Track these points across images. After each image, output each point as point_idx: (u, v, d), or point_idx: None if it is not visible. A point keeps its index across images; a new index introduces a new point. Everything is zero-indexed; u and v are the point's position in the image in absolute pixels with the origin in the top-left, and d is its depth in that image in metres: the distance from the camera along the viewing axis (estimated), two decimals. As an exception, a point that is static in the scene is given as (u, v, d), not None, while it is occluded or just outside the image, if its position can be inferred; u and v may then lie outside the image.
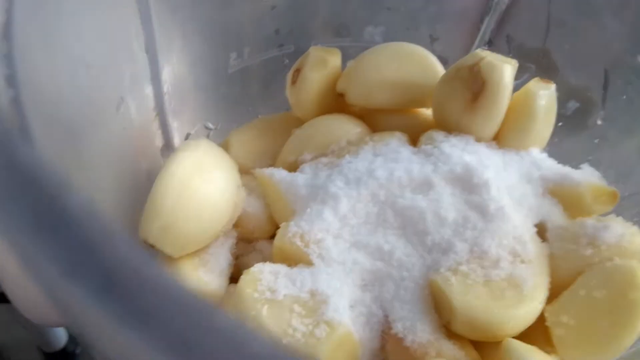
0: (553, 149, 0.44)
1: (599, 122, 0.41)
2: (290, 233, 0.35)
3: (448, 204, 0.35)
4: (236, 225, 0.40)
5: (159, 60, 0.35)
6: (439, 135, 0.39)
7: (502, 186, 0.36)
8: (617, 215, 0.39)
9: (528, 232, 0.35)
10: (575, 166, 0.42)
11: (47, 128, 0.19)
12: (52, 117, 0.21)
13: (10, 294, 0.31)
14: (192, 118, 0.43)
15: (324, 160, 0.40)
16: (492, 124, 0.38)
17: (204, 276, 0.37)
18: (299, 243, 0.35)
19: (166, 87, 0.38)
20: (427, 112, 0.43)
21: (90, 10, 0.27)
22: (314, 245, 0.35)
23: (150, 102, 0.37)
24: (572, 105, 0.42)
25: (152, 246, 0.35)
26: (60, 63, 0.24)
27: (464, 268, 0.33)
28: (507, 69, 0.37)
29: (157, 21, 0.33)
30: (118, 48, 0.32)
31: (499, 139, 0.40)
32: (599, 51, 0.40)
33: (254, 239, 0.41)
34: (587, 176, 0.38)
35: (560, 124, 0.42)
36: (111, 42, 0.30)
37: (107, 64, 0.30)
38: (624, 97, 0.39)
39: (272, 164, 0.43)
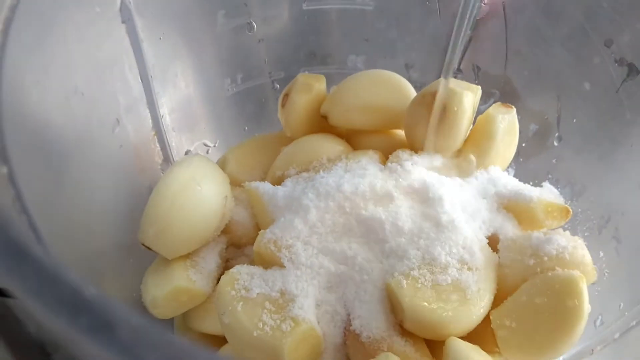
0: (519, 168, 0.47)
1: (556, 144, 0.44)
2: (266, 239, 0.40)
3: (405, 215, 0.39)
4: (226, 231, 0.45)
5: (154, 87, 0.41)
6: (404, 154, 0.43)
7: (457, 201, 0.40)
8: (571, 229, 0.42)
9: (478, 243, 0.38)
10: (538, 184, 0.45)
11: (32, 151, 0.24)
12: (41, 140, 0.27)
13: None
14: (191, 137, 0.48)
15: (305, 175, 0.45)
16: (453, 144, 0.42)
17: (193, 276, 0.41)
18: (272, 248, 0.39)
19: (164, 109, 0.43)
20: (401, 133, 0.47)
21: (85, 47, 0.33)
22: (285, 250, 0.39)
23: (148, 124, 0.42)
24: (533, 127, 0.46)
25: (149, 248, 0.40)
26: (52, 92, 0.29)
27: (415, 273, 0.37)
28: (466, 95, 0.41)
29: (149, 54, 0.39)
30: (112, 78, 0.37)
31: (463, 158, 0.43)
32: (551, 78, 0.43)
33: (243, 245, 0.46)
34: (542, 193, 0.41)
35: (523, 144, 0.46)
36: (105, 73, 0.36)
37: (102, 91, 0.36)
38: (575, 120, 0.43)
39: (264, 178, 0.48)
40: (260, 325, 0.36)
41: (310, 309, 0.37)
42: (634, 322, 0.35)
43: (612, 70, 0.39)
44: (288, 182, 0.44)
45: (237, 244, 0.46)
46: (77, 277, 0.13)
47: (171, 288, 0.40)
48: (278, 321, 0.36)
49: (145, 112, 0.42)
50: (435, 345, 0.38)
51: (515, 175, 0.48)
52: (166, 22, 0.41)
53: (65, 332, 0.12)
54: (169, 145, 0.46)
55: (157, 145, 0.44)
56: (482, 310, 0.36)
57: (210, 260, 0.43)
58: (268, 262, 0.40)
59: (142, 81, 0.40)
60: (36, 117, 0.27)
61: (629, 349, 0.35)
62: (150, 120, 0.42)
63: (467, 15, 0.40)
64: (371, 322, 0.37)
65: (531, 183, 0.44)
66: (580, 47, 0.40)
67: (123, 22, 0.37)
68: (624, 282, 0.39)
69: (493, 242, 0.40)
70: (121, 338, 0.12)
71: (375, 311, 0.37)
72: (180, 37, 0.43)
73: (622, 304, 0.37)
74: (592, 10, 0.39)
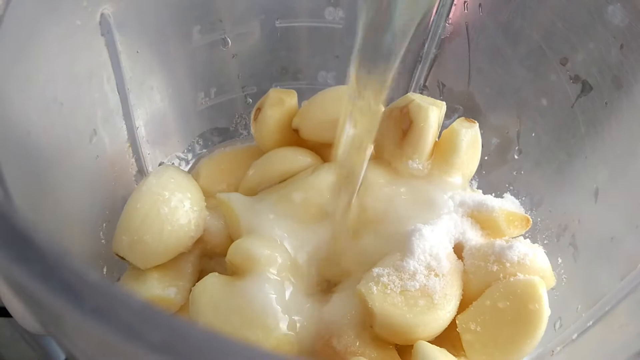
0: (482, 180, 0.49)
1: (516, 157, 0.47)
2: (238, 249, 0.41)
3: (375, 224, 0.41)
4: (200, 242, 0.45)
5: (130, 100, 0.41)
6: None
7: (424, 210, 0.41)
8: (531, 237, 0.44)
9: (444, 250, 0.40)
10: (500, 195, 0.47)
11: (16, 157, 0.25)
12: (22, 148, 0.27)
13: (7, 305, 0.36)
14: (165, 149, 0.49)
15: (277, 187, 0.46)
16: (420, 157, 0.44)
17: (166, 285, 0.42)
18: (245, 258, 0.40)
19: (139, 122, 0.44)
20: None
21: (65, 58, 0.34)
22: (258, 260, 0.40)
23: (123, 135, 0.43)
24: (494, 141, 0.48)
25: (123, 258, 0.41)
26: (34, 100, 0.30)
27: (385, 279, 0.38)
28: (432, 110, 0.43)
29: (126, 67, 0.40)
30: (91, 89, 0.38)
31: (429, 170, 0.45)
32: (511, 94, 0.46)
33: (216, 255, 0.47)
34: (503, 203, 0.43)
35: (486, 157, 0.48)
36: (84, 84, 0.37)
37: (80, 102, 0.36)
38: (533, 134, 0.45)
39: (237, 189, 0.49)
40: (235, 333, 0.37)
41: (283, 316, 0.38)
42: (590, 323, 0.37)
43: (568, 87, 0.41)
44: (261, 193, 0.45)
45: (211, 254, 0.47)
46: (80, 263, 0.14)
47: (145, 298, 0.41)
48: (253, 329, 0.37)
49: (122, 123, 0.42)
50: (404, 351, 0.39)
51: (478, 187, 0.50)
52: (144, 36, 0.42)
53: (71, 315, 0.13)
54: (143, 157, 0.46)
55: (132, 156, 0.45)
56: (448, 315, 0.38)
57: (184, 270, 0.44)
58: (241, 272, 0.41)
59: (119, 93, 0.41)
60: (19, 123, 0.28)
61: (586, 348, 0.37)
62: (125, 132, 0.43)
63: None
64: (342, 327, 0.38)
65: (493, 194, 0.46)
66: (537, 65, 0.43)
67: (102, 35, 0.38)
68: (581, 286, 0.41)
69: (458, 249, 0.42)
70: (124, 318, 0.13)
71: (346, 317, 0.39)
72: (157, 51, 0.44)
73: (579, 307, 0.39)
74: (549, 31, 0.42)
